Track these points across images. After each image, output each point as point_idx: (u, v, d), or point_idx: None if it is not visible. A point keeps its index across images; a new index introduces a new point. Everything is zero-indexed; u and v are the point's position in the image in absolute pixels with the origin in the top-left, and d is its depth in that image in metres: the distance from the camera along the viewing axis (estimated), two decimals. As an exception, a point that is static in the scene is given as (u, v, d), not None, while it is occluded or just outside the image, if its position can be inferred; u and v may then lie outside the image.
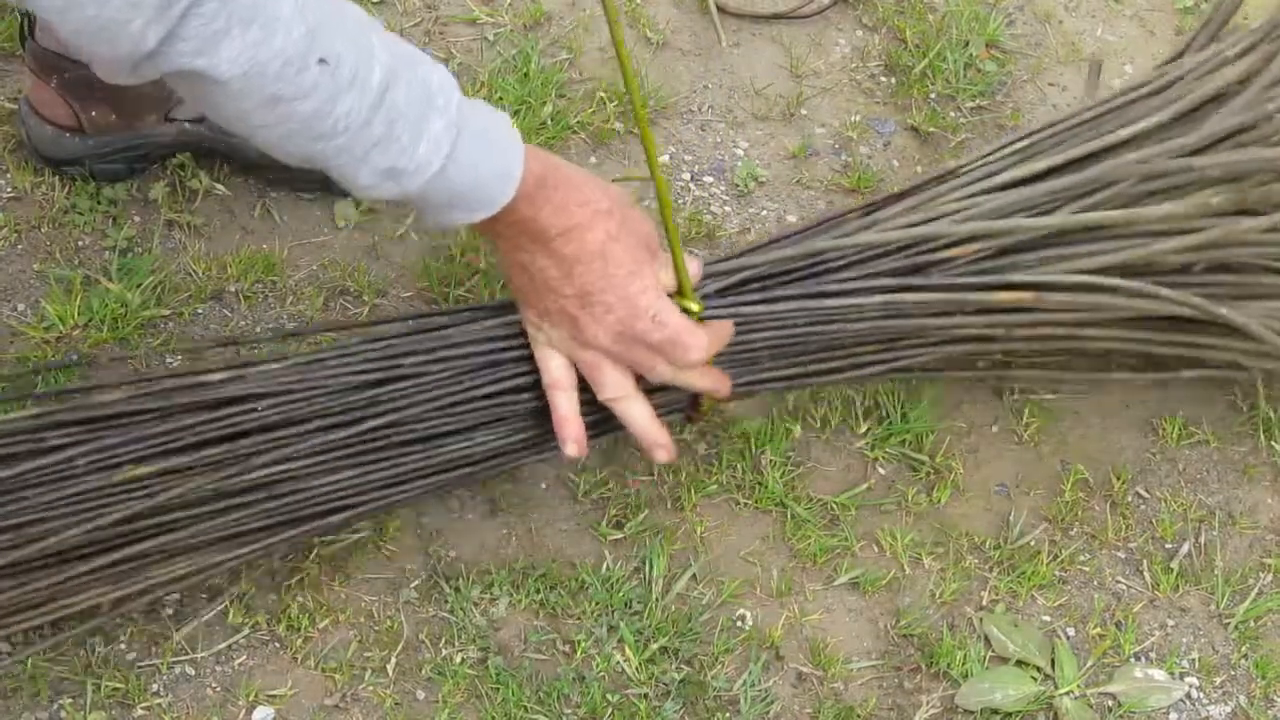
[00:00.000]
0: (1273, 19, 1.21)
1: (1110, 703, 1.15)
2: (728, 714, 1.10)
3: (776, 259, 1.13)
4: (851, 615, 1.16)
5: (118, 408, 1.02)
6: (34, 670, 1.03)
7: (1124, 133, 1.17)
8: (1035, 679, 1.15)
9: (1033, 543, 1.22)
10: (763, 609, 1.15)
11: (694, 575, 1.15)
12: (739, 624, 1.14)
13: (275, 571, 1.10)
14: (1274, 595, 1.22)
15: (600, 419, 1.08)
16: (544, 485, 1.18)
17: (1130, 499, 1.25)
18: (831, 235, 1.15)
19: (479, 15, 1.44)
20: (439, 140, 0.92)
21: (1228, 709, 1.17)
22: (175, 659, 1.05)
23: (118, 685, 1.03)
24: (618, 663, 1.10)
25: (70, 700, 1.03)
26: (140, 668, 1.05)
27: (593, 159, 1.37)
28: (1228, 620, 1.21)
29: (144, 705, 1.03)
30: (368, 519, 1.10)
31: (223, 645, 1.07)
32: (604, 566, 1.14)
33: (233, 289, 1.23)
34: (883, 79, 1.49)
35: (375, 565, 1.12)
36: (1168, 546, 1.24)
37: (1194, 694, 1.17)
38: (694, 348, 1.04)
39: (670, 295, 1.06)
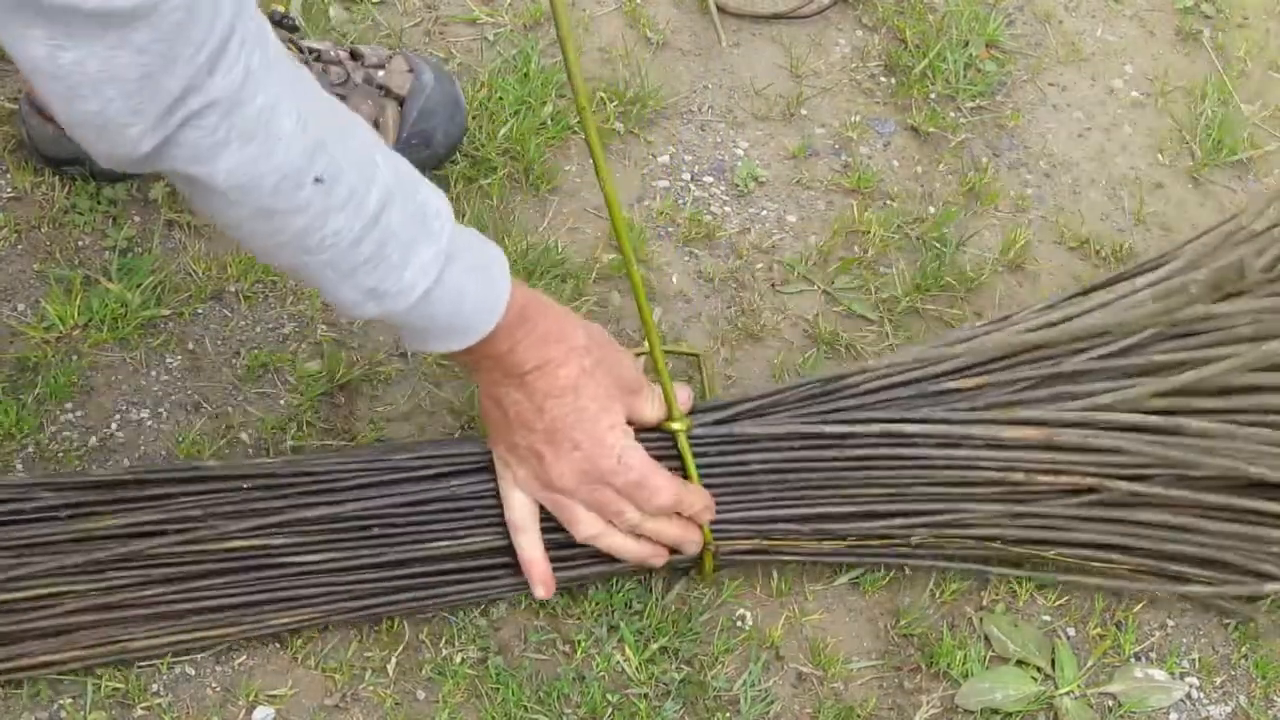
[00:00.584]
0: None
1: (1110, 703, 1.15)
2: (728, 714, 1.10)
3: (774, 392, 1.13)
4: (851, 615, 1.16)
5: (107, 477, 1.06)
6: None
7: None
8: (1035, 679, 1.15)
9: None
10: (763, 609, 1.15)
11: (694, 575, 1.15)
12: (739, 624, 1.14)
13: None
14: (1274, 595, 1.22)
15: (573, 555, 1.08)
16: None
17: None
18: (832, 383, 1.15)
19: (479, 15, 1.44)
20: (427, 266, 0.92)
21: (1228, 709, 1.17)
22: (175, 659, 1.05)
23: (118, 685, 1.03)
24: (618, 663, 1.10)
25: (70, 700, 1.03)
26: (140, 668, 1.05)
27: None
28: (1227, 621, 1.21)
29: (144, 705, 1.03)
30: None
31: (222, 645, 1.07)
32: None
33: (233, 289, 1.23)
34: (883, 79, 1.49)
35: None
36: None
37: (1194, 694, 1.17)
38: (661, 490, 1.03)
39: (659, 423, 1.07)
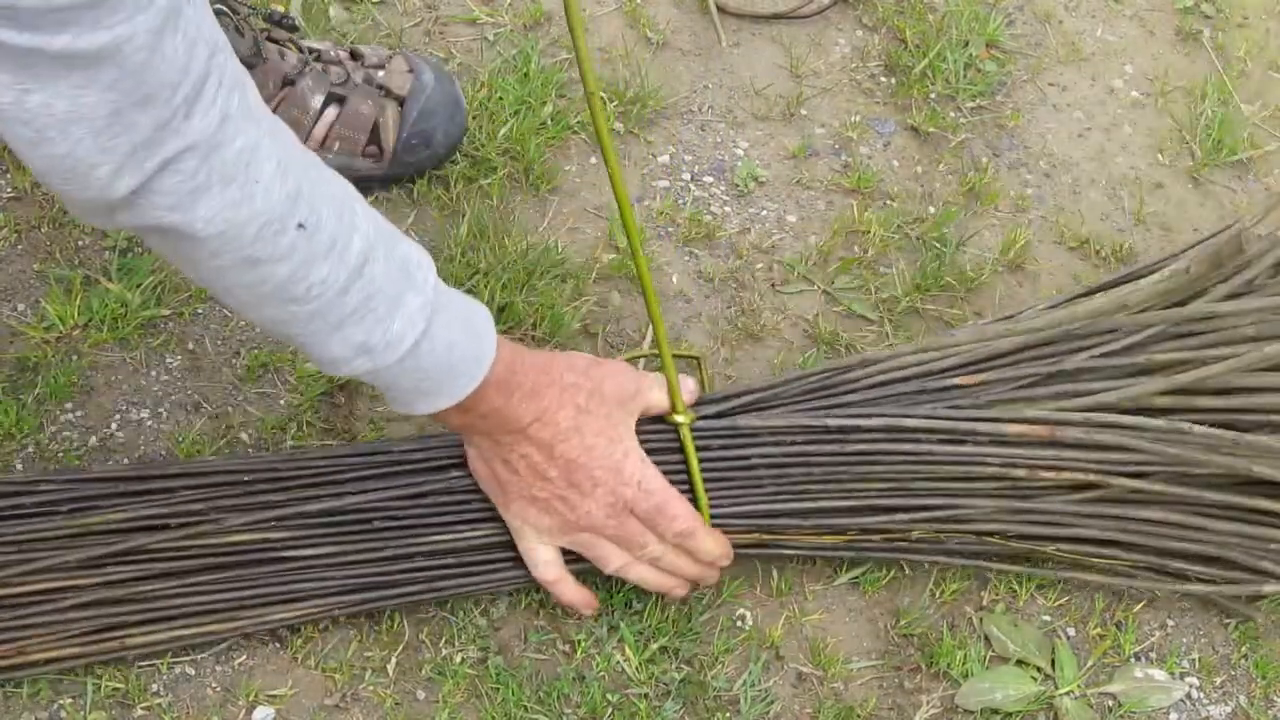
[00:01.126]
0: None
1: (1110, 703, 1.15)
2: (728, 714, 1.10)
3: (776, 384, 1.14)
4: (851, 615, 1.16)
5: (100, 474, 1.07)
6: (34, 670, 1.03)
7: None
8: (1035, 679, 1.15)
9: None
10: (763, 609, 1.15)
11: (694, 575, 1.15)
12: (739, 624, 1.14)
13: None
14: (1275, 595, 1.22)
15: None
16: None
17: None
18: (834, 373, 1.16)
19: (479, 15, 1.44)
20: (414, 318, 0.91)
21: (1228, 709, 1.17)
22: (175, 659, 1.05)
23: (118, 685, 1.03)
24: (618, 662, 1.10)
25: (70, 700, 1.03)
26: (140, 668, 1.05)
27: (593, 159, 1.37)
28: (1228, 620, 1.21)
29: (144, 705, 1.03)
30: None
31: (223, 645, 1.07)
32: (604, 566, 1.14)
33: (233, 289, 1.23)
34: (883, 79, 1.49)
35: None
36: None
37: (1194, 694, 1.17)
38: (680, 516, 1.05)
39: (663, 415, 1.08)
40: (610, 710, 1.08)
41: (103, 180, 0.79)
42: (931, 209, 1.40)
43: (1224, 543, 1.15)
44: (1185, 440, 1.09)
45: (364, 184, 1.27)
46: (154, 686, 1.04)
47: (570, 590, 1.07)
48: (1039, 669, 1.15)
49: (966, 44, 1.51)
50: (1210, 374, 1.09)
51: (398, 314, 0.91)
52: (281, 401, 1.17)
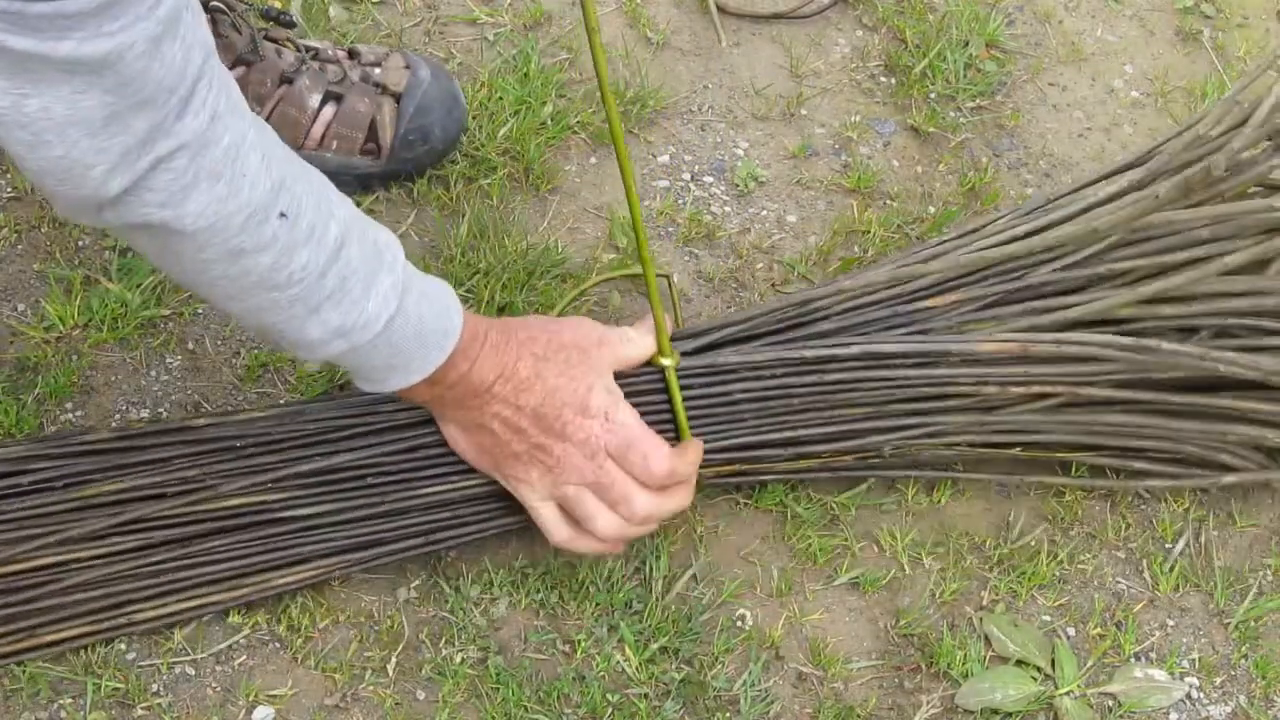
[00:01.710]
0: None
1: (1110, 703, 1.15)
2: (728, 714, 1.10)
3: (752, 317, 1.15)
4: (851, 615, 1.16)
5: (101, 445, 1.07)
6: (34, 670, 1.03)
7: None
8: (1035, 679, 1.15)
9: (1033, 542, 1.22)
10: (763, 609, 1.15)
11: (694, 575, 1.15)
12: (739, 624, 1.14)
13: (275, 571, 1.10)
14: (1274, 595, 1.22)
15: None
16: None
17: (1130, 498, 1.25)
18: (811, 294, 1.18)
19: (479, 15, 1.44)
20: (387, 296, 0.94)
21: (1228, 709, 1.17)
22: (175, 659, 1.05)
23: (118, 685, 1.03)
24: (618, 662, 1.10)
25: (70, 700, 1.03)
26: (140, 668, 1.05)
27: (593, 159, 1.37)
28: (1228, 620, 1.21)
29: (144, 705, 1.03)
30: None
31: (223, 645, 1.07)
32: (604, 566, 1.14)
33: (233, 289, 1.23)
34: (883, 79, 1.49)
35: (375, 565, 1.12)
36: (1168, 546, 1.24)
37: (1194, 694, 1.17)
38: (652, 455, 1.05)
39: (650, 360, 1.09)
40: (610, 710, 1.08)
41: (97, 180, 0.80)
42: (931, 209, 1.40)
43: (1182, 438, 1.18)
44: (1155, 352, 1.12)
45: (364, 182, 1.28)
46: (154, 686, 1.04)
47: (591, 543, 1.07)
48: (1039, 669, 1.15)
49: (966, 44, 1.51)
50: (1173, 285, 1.13)
51: (372, 294, 0.93)
52: (281, 401, 1.17)
